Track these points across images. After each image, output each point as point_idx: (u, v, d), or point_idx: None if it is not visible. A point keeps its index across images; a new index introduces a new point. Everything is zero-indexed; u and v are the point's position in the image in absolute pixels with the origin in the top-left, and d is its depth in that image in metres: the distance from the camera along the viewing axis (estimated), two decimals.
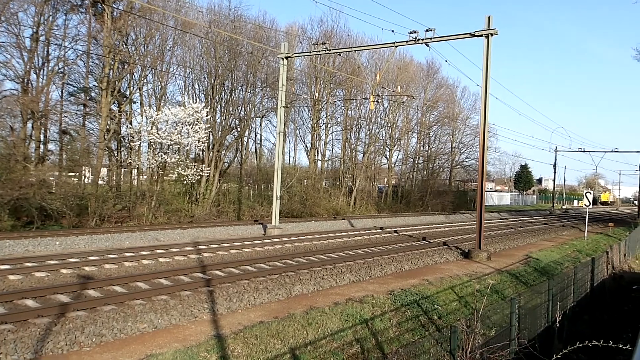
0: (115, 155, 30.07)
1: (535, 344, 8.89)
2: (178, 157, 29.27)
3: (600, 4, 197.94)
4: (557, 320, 10.38)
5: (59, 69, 26.79)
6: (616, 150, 57.29)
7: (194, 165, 29.92)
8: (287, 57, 25.18)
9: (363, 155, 47.63)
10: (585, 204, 30.26)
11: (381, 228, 29.42)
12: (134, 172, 30.50)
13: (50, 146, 27.14)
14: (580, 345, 6.36)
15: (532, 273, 16.70)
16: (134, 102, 31.31)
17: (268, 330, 8.88)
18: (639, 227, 31.03)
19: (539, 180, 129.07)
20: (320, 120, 44.14)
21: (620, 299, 17.06)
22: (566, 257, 20.99)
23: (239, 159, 37.73)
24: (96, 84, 28.97)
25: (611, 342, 5.92)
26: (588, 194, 30.28)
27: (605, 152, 58.93)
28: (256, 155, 41.19)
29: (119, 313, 9.25)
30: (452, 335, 6.44)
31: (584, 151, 58.71)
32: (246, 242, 19.66)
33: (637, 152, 60.62)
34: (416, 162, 56.18)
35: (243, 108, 35.82)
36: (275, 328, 9.00)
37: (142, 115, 29.47)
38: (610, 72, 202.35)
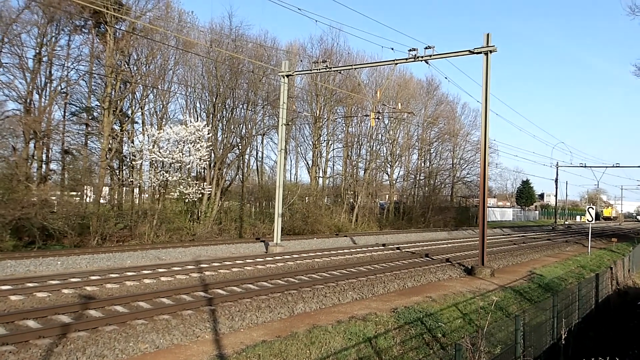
0: (117, 174, 30.13)
1: None
2: (180, 175, 29.30)
3: (599, 21, 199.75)
4: (563, 337, 10.30)
5: (62, 89, 27.03)
6: (617, 165, 57.44)
7: (196, 184, 29.95)
8: (288, 75, 25.37)
9: (364, 172, 47.68)
10: (587, 219, 30.14)
11: (383, 245, 29.32)
12: (136, 190, 30.53)
13: (53, 166, 27.27)
14: None
15: (536, 289, 16.59)
16: (136, 122, 31.53)
17: (270, 349, 8.80)
18: None
19: (541, 196, 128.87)
20: (321, 138, 44.29)
21: (626, 314, 16.94)
22: (570, 273, 20.86)
23: (241, 176, 37.79)
24: (98, 104, 29.17)
25: (617, 359, 5.86)
26: (590, 209, 30.17)
27: (607, 167, 59.13)
28: (258, 172, 41.26)
29: (121, 333, 9.18)
30: (457, 354, 6.37)
31: (586, 166, 58.84)
32: (248, 260, 19.58)
33: (639, 167, 60.61)
34: (417, 178, 56.20)
35: (244, 126, 35.99)
36: (278, 347, 8.92)
37: (143, 134, 29.60)
38: (610, 88, 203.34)
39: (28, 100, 24.94)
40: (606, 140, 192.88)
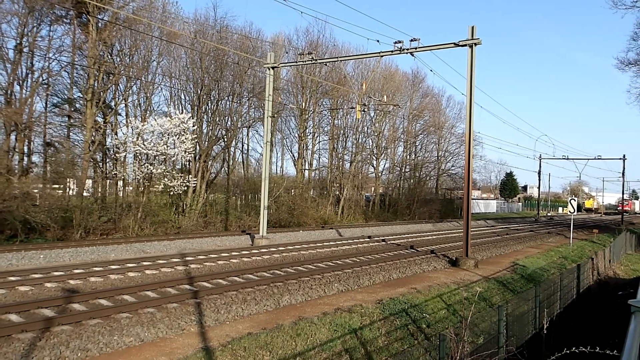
0: (101, 166, 29.80)
1: (523, 351, 8.94)
2: (164, 168, 29.07)
3: (582, 14, 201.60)
4: (545, 327, 10.46)
5: (43, 80, 26.57)
6: (599, 157, 58.15)
7: (181, 176, 29.74)
8: (273, 67, 25.24)
9: (350, 164, 47.75)
10: (569, 211, 30.56)
11: (369, 237, 29.44)
12: (120, 183, 30.23)
13: (34, 158, 26.87)
14: (568, 351, 6.39)
15: (519, 280, 16.81)
16: (119, 113, 31.16)
17: (256, 341, 8.82)
18: (622, 233, 31.41)
19: (524, 188, 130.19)
20: (307, 130, 44.23)
21: (606, 304, 17.25)
22: (552, 264, 21.17)
23: (226, 169, 37.61)
24: (81, 95, 28.76)
25: (598, 348, 5.96)
26: (572, 201, 30.59)
27: (589, 159, 59.81)
28: (243, 165, 41.09)
29: (105, 327, 9.13)
30: (441, 344, 6.44)
31: (568, 159, 59.51)
32: (234, 253, 19.54)
33: (620, 159, 61.46)
34: (403, 170, 56.45)
35: (230, 118, 35.78)
36: (264, 339, 8.94)
37: (127, 126, 29.27)
38: (592, 81, 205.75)
39: (9, 92, 24.49)
40: (588, 133, 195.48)
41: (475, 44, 19.32)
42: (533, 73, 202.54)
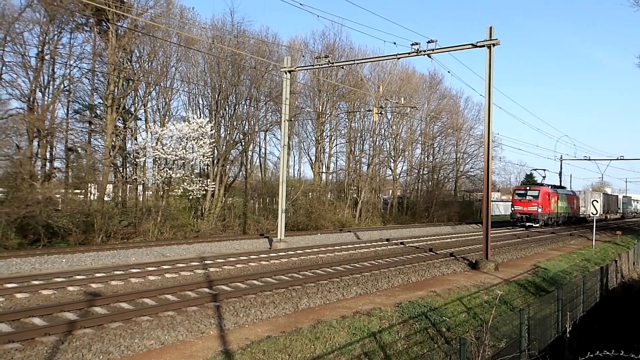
0: (121, 171, 30.19)
1: (545, 355, 8.81)
2: (183, 172, 29.33)
3: (602, 13, 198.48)
4: (567, 330, 10.30)
5: (65, 87, 27.06)
6: (622, 157, 57.06)
7: (199, 180, 29.97)
8: (290, 71, 25.32)
9: (367, 167, 47.62)
10: (592, 213, 30.05)
11: (387, 240, 29.31)
12: (140, 188, 30.59)
13: (56, 164, 27.31)
14: (591, 355, 6.27)
15: (540, 283, 16.57)
16: (139, 119, 31.56)
17: (275, 345, 8.82)
18: None
19: None
20: (324, 133, 44.24)
21: (631, 307, 16.91)
22: (575, 267, 20.83)
23: (244, 173, 37.79)
24: (101, 101, 29.21)
25: (623, 352, 5.85)
26: (595, 202, 30.10)
27: (611, 160, 58.74)
28: (261, 169, 41.26)
29: (126, 330, 9.22)
30: (461, 348, 6.37)
31: (590, 159, 58.54)
32: (252, 256, 19.62)
33: None
34: (421, 173, 56.11)
35: (247, 122, 35.97)
36: (283, 343, 8.95)
37: (147, 132, 29.64)
38: (613, 80, 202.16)
39: (31, 99, 24.99)
40: (610, 132, 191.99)
41: (494, 45, 19.14)
42: (553, 73, 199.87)
